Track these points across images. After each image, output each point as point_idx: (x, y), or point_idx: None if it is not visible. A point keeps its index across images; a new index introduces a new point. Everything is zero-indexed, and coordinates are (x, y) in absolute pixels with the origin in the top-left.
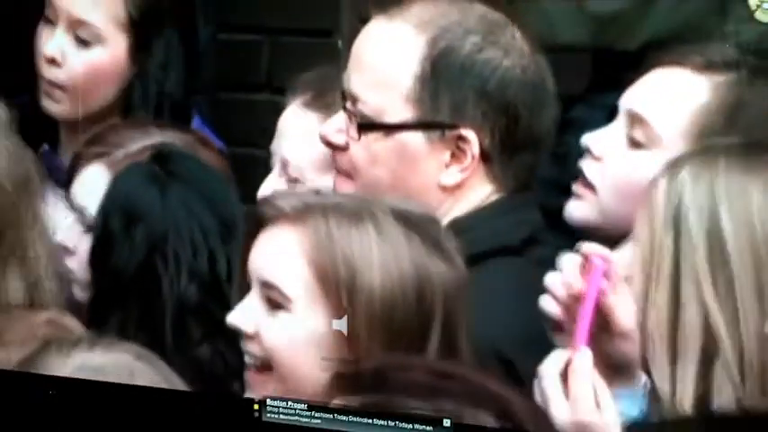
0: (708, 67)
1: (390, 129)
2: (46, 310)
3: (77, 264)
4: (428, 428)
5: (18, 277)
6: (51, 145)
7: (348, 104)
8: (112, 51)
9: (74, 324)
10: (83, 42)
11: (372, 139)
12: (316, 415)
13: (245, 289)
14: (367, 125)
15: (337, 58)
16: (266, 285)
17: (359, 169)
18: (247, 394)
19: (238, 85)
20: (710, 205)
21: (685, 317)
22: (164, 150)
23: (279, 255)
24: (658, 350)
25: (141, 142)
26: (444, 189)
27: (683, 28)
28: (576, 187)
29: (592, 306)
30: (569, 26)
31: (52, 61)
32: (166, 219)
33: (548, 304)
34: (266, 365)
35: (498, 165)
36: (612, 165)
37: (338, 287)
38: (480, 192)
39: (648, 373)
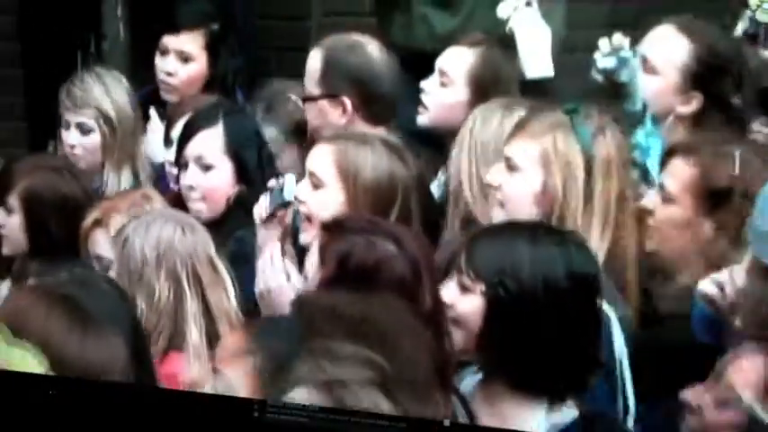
0: (473, 44)
1: (314, 99)
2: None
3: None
4: (426, 428)
5: (127, 174)
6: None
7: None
8: (199, 64)
9: (157, 197)
10: (185, 60)
11: (313, 103)
12: (314, 415)
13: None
14: (307, 97)
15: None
16: (312, 175)
17: (310, 119)
18: (302, 239)
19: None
20: (496, 132)
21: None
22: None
23: (320, 159)
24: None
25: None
26: (339, 127)
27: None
28: (420, 107)
29: None
30: (429, 35)
31: (169, 74)
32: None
33: None
34: (309, 219)
35: (365, 114)
36: (433, 95)
37: (347, 177)
38: (362, 128)
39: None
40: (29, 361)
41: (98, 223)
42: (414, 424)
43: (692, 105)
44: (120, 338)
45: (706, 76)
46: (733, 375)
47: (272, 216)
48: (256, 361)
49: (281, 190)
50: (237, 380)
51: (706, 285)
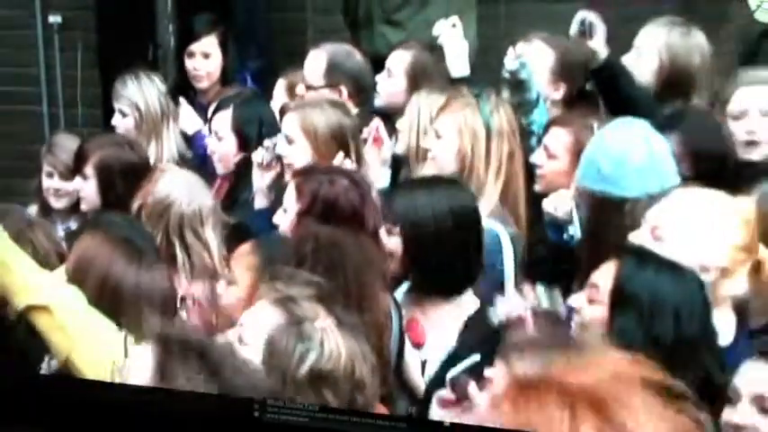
0: (408, 48)
1: (317, 88)
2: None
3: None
4: (427, 428)
5: (154, 148)
6: (194, 93)
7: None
8: (216, 60)
9: (171, 167)
10: (206, 57)
11: (314, 92)
12: (314, 415)
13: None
14: (310, 86)
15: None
16: (286, 136)
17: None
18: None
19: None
20: (430, 113)
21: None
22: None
23: (290, 124)
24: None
25: (229, 94)
26: None
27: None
28: (375, 93)
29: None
30: (384, 45)
31: (196, 69)
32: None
33: None
34: (288, 166)
35: (353, 100)
36: (383, 85)
37: (309, 134)
38: (353, 109)
39: None
40: (74, 295)
41: (141, 208)
42: (414, 424)
43: (560, 92)
44: (163, 267)
45: (565, 72)
46: (598, 278)
47: (268, 165)
48: (255, 260)
49: (274, 147)
50: (240, 274)
51: (545, 203)
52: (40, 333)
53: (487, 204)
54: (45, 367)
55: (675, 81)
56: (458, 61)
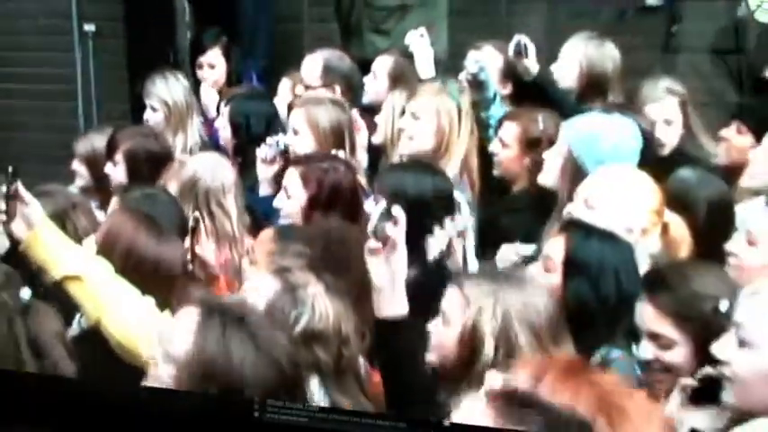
0: (390, 54)
1: (316, 86)
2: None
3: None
4: (427, 428)
5: (181, 137)
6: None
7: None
8: (220, 69)
9: (188, 158)
10: (212, 67)
11: (312, 90)
12: (314, 415)
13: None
14: (308, 86)
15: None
16: (293, 128)
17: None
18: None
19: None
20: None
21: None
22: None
23: (296, 118)
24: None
25: (236, 91)
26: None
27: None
28: (363, 92)
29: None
30: (373, 51)
31: (204, 77)
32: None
33: None
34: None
35: (348, 97)
36: (368, 84)
37: (313, 126)
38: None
39: None
40: (103, 266)
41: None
42: (414, 424)
43: (508, 89)
44: (179, 240)
45: (510, 72)
46: (550, 250)
47: (272, 160)
48: (275, 247)
49: (277, 143)
50: (261, 257)
51: (503, 253)
52: (74, 299)
53: (450, 174)
54: (75, 325)
55: (594, 84)
56: (425, 65)
